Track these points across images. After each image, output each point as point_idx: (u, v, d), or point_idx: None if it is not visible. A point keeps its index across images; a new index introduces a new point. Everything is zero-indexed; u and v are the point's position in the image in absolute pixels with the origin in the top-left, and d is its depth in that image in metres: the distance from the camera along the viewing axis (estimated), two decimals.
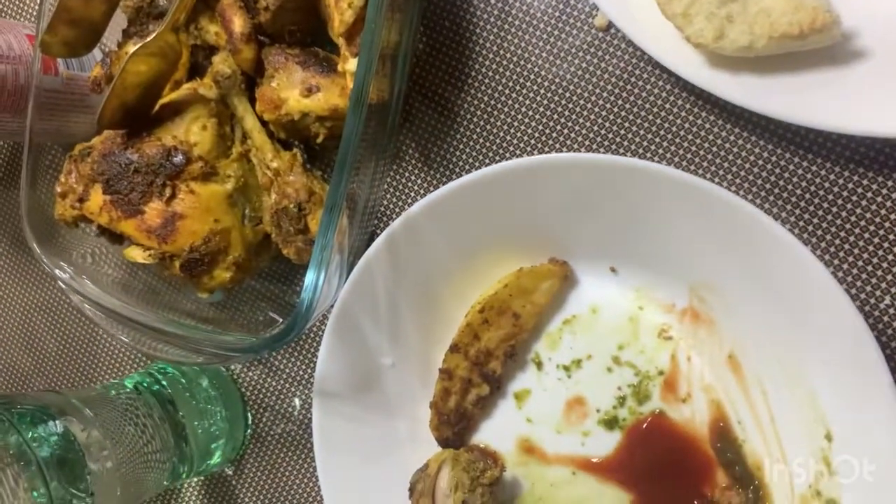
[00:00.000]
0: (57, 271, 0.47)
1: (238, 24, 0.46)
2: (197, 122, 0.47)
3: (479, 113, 0.47)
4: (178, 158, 0.46)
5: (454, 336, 0.46)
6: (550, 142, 0.46)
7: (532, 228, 0.44)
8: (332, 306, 0.46)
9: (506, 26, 0.46)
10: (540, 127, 0.46)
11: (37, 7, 0.58)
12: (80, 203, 0.47)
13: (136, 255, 0.47)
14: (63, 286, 0.48)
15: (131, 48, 0.48)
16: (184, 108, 0.47)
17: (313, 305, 0.41)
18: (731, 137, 0.42)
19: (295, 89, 0.45)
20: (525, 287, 0.45)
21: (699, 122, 0.43)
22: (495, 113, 0.47)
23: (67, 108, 0.53)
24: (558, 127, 0.46)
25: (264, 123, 0.48)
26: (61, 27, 0.47)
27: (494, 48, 0.46)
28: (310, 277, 0.41)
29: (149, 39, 0.44)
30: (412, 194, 0.50)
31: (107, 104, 0.45)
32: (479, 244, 0.45)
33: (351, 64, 0.42)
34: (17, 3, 0.60)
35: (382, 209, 0.51)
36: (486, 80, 0.47)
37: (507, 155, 0.47)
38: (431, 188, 0.49)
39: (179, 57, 0.47)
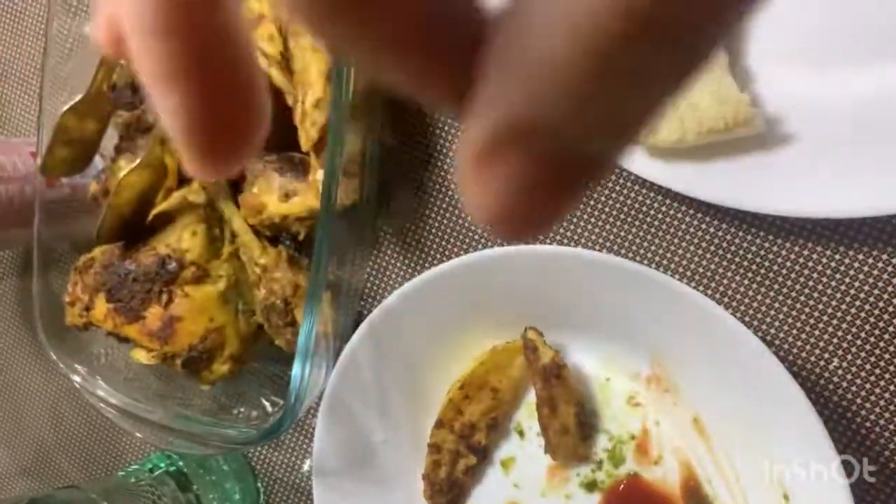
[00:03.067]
0: (73, 375, 0.51)
1: None
2: (187, 229, 0.51)
3: (450, 198, 0.50)
4: (172, 266, 0.49)
5: (439, 412, 0.49)
6: None
7: (503, 307, 0.47)
8: (323, 389, 0.50)
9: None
10: None
11: (19, 118, 0.63)
12: (87, 311, 0.51)
13: (141, 356, 0.50)
14: (78, 387, 0.52)
15: (124, 163, 0.52)
16: (175, 216, 0.51)
17: (301, 397, 0.45)
18: (674, 220, 0.45)
19: (274, 195, 0.49)
20: (500, 363, 0.48)
21: (644, 207, 0.46)
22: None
23: (72, 213, 0.57)
24: None
25: (250, 224, 0.52)
26: (59, 148, 0.51)
27: (459, 138, 0.50)
28: (296, 370, 0.45)
29: (139, 159, 0.48)
30: (394, 275, 0.53)
31: (104, 221, 0.49)
32: (456, 325, 0.48)
33: (320, 174, 0.46)
34: (5, 115, 0.64)
35: (367, 291, 0.54)
36: (455, 168, 0.50)
37: (478, 238, 0.50)
38: (411, 268, 0.52)
39: (168, 169, 0.51)
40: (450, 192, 0.50)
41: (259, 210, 0.49)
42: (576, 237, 0.47)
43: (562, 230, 0.48)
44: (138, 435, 0.50)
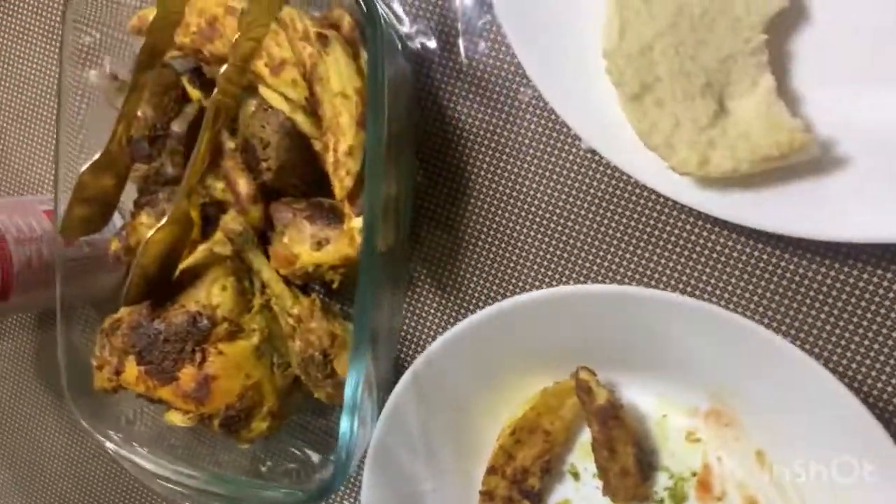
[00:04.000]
0: (106, 442, 0.50)
1: (243, 185, 0.48)
2: (216, 283, 0.49)
3: (482, 236, 0.49)
4: (204, 323, 0.48)
5: (489, 458, 0.47)
6: (555, 264, 0.47)
7: (550, 348, 0.46)
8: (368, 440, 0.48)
9: (497, 152, 0.48)
10: (543, 247, 0.47)
11: (24, 171, 0.61)
12: (116, 375, 0.49)
13: (176, 419, 0.49)
14: (111, 453, 0.50)
15: (145, 218, 0.51)
16: (203, 271, 0.49)
17: (352, 453, 0.43)
18: (727, 249, 0.44)
19: (305, 244, 0.47)
20: (551, 405, 0.46)
21: (693, 237, 0.44)
22: (498, 235, 0.48)
23: (91, 270, 0.55)
24: (559, 252, 0.47)
25: (281, 274, 0.50)
26: (77, 207, 0.49)
27: (489, 174, 0.48)
28: (344, 426, 0.43)
29: (163, 214, 0.47)
30: (431, 317, 0.51)
31: (131, 285, 0.47)
32: (503, 369, 0.47)
33: (356, 222, 0.44)
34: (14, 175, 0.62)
35: (404, 335, 0.52)
36: (486, 205, 0.49)
37: (515, 276, 0.48)
38: (448, 310, 0.51)
39: (194, 222, 0.49)
40: (484, 231, 0.49)
41: (291, 261, 0.48)
42: (629, 273, 0.46)
43: (613, 267, 0.46)
44: (176, 499, 0.48)
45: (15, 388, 0.67)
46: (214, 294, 0.49)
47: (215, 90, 0.41)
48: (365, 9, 0.40)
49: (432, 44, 0.48)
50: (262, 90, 0.48)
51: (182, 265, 0.50)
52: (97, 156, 0.46)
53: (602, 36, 0.41)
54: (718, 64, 0.39)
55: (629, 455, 0.44)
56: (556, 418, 0.46)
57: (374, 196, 0.41)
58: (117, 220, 0.58)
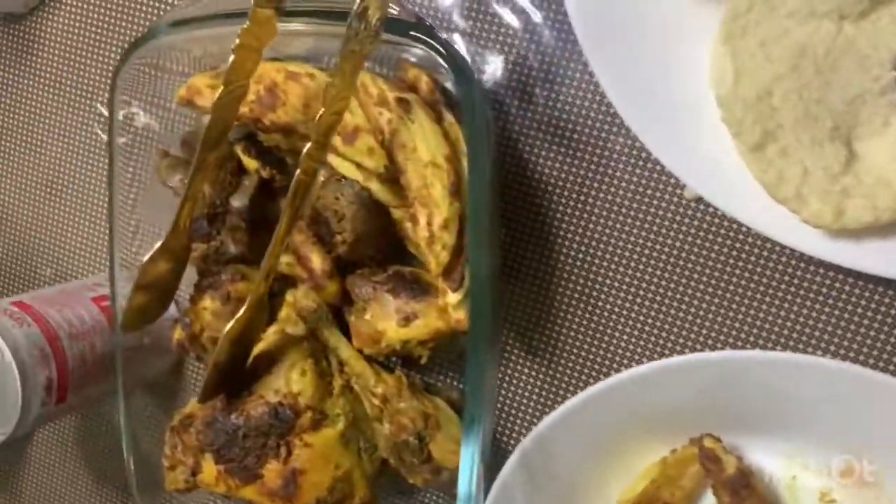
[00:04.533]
0: None
1: (317, 261, 0.45)
2: (295, 368, 0.45)
3: (577, 297, 0.46)
4: (286, 414, 0.44)
5: None
6: (659, 327, 0.44)
7: (667, 417, 0.42)
8: None
9: (588, 206, 0.45)
10: (646, 306, 0.44)
11: (70, 262, 0.57)
12: (193, 476, 0.45)
13: None
14: None
15: (209, 302, 0.47)
16: (277, 356, 0.46)
17: None
18: (860, 300, 0.41)
19: (391, 320, 0.44)
20: (671, 476, 0.43)
21: (821, 290, 0.41)
22: (594, 296, 0.45)
23: (147, 355, 0.51)
24: (664, 312, 0.44)
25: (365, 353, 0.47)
26: (137, 296, 0.45)
27: (580, 230, 0.45)
28: None
29: (244, 307, 0.43)
30: (526, 386, 0.48)
31: (208, 381, 0.43)
32: (614, 443, 0.43)
33: (452, 297, 0.41)
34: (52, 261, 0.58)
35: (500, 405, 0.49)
36: (579, 263, 0.45)
37: (615, 343, 0.45)
38: (544, 377, 0.47)
39: (267, 306, 0.45)
40: (578, 292, 0.45)
41: (377, 339, 0.44)
42: (748, 333, 0.43)
43: (735, 329, 0.43)
44: None
45: (64, 481, 0.62)
46: (294, 380, 0.45)
47: (297, 171, 0.38)
48: (454, 66, 0.37)
49: (507, 90, 0.45)
50: (332, 159, 0.45)
51: (255, 352, 0.46)
52: (160, 242, 0.43)
53: (712, 81, 0.38)
54: (846, 106, 0.36)
55: None
56: (675, 489, 0.43)
57: (480, 267, 0.37)
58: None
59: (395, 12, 0.38)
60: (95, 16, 0.54)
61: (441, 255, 0.39)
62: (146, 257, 0.42)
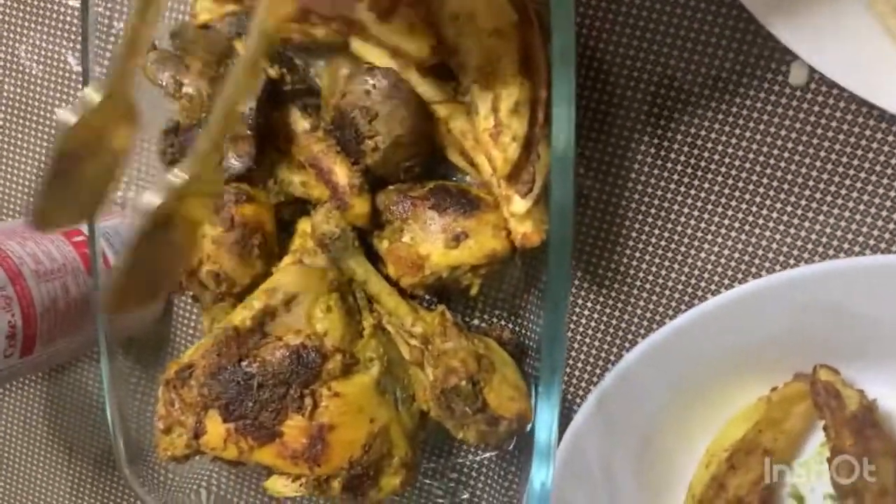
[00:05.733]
0: None
1: (342, 174, 0.37)
2: (318, 304, 0.37)
3: (652, 212, 0.38)
4: (311, 358, 0.36)
5: (695, 492, 0.37)
6: (753, 237, 0.37)
7: (766, 350, 0.36)
8: None
9: (667, 100, 0.37)
10: (735, 227, 0.37)
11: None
12: (196, 439, 0.37)
13: (284, 488, 0.37)
14: None
15: (209, 229, 0.39)
16: (295, 291, 0.38)
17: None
18: None
19: (437, 241, 0.36)
20: (775, 417, 0.36)
21: None
22: (673, 212, 0.38)
23: None
24: (760, 232, 0.37)
25: (390, 281, 0.39)
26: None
27: (661, 123, 0.38)
28: (538, 479, 0.32)
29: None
30: (593, 315, 0.41)
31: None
32: (707, 380, 0.37)
33: (519, 205, 0.33)
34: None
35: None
36: (655, 173, 0.38)
37: (708, 266, 0.38)
38: (610, 309, 0.40)
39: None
40: (651, 215, 0.38)
41: (418, 265, 0.37)
42: (868, 243, 0.36)
43: (847, 237, 0.36)
44: None
45: (27, 456, 0.53)
46: (317, 318, 0.37)
47: None
48: None
49: None
50: (356, 45, 0.37)
51: (265, 285, 0.38)
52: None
53: None
54: None
55: (890, 471, 0.34)
56: (778, 433, 0.37)
57: (565, 171, 0.29)
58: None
59: None
60: None
61: (510, 149, 0.32)
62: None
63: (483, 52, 0.31)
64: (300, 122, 0.40)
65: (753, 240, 0.37)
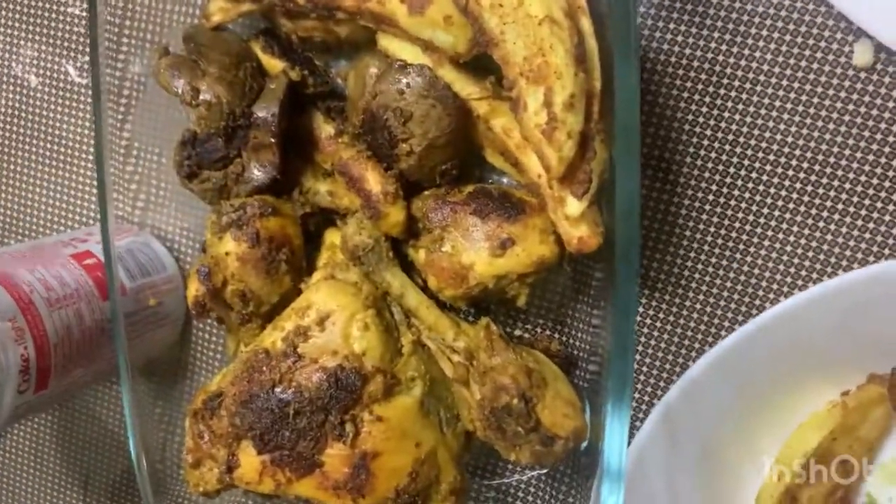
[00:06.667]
0: None
1: (375, 181, 0.34)
2: (354, 321, 0.34)
3: (716, 212, 0.36)
4: (350, 380, 0.33)
5: None
6: (819, 236, 0.35)
7: (841, 349, 0.33)
8: None
9: (724, 87, 0.35)
10: (800, 225, 0.35)
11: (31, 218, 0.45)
12: (229, 472, 0.34)
13: None
14: None
15: (231, 245, 0.36)
16: (328, 309, 0.35)
17: None
18: None
19: (481, 250, 0.34)
20: (850, 424, 0.34)
21: None
22: (739, 215, 0.36)
23: (141, 328, 0.40)
24: (824, 231, 0.34)
25: (427, 293, 0.36)
26: None
27: (715, 121, 0.35)
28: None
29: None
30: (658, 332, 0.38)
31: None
32: (773, 386, 0.34)
33: (574, 207, 0.30)
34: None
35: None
36: (717, 168, 0.36)
37: (779, 267, 0.36)
38: (682, 320, 0.37)
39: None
40: (716, 215, 0.36)
41: (462, 275, 0.34)
42: None
43: None
44: None
45: (39, 489, 0.51)
46: (354, 337, 0.34)
47: None
48: None
49: None
50: (385, 42, 0.34)
51: (296, 304, 0.36)
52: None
53: None
54: None
55: None
56: (854, 440, 0.34)
57: (631, 170, 0.27)
58: (162, 254, 0.43)
59: None
60: None
61: (566, 147, 0.29)
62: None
63: (531, 42, 0.29)
64: (324, 128, 0.37)
65: (818, 234, 0.35)
